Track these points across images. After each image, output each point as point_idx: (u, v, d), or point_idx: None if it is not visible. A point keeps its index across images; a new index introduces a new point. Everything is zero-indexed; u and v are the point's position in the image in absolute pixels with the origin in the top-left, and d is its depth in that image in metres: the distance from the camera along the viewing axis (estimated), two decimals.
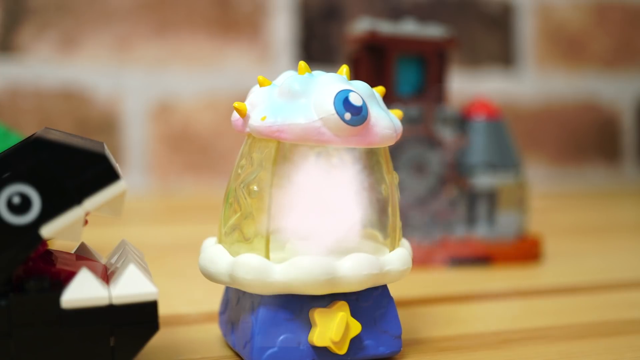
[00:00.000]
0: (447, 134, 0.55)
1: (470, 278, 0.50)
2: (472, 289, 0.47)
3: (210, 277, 0.32)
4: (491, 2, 1.14)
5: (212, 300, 0.43)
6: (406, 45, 0.55)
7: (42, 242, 0.27)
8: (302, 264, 0.30)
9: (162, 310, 0.40)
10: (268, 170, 0.31)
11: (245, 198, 0.32)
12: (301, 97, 0.31)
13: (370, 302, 0.32)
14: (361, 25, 0.56)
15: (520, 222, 0.56)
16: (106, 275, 0.31)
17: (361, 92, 0.31)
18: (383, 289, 0.33)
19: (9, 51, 0.97)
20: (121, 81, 1.01)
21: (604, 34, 1.21)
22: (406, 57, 0.56)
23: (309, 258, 0.30)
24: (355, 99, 0.30)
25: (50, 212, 0.26)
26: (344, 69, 0.33)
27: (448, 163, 0.55)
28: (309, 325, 0.31)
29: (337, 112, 0.30)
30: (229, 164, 1.04)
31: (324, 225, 0.31)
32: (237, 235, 0.32)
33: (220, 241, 0.33)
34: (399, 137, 0.33)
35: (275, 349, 0.30)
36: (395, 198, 0.33)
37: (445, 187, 0.55)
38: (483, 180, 0.55)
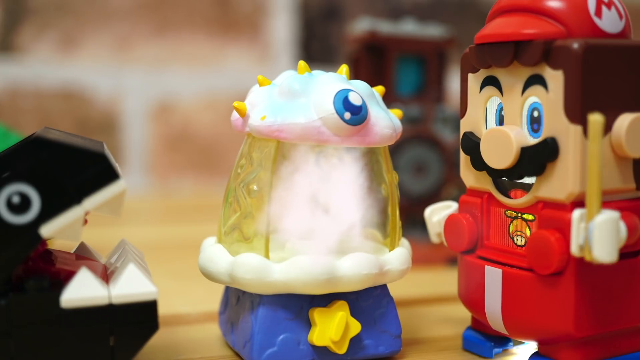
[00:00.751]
0: (447, 134, 0.55)
1: None
2: None
3: (210, 276, 0.32)
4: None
5: (211, 300, 0.43)
6: (406, 45, 0.55)
7: (42, 241, 0.27)
8: (301, 264, 0.30)
9: (162, 310, 0.40)
10: (268, 169, 0.31)
11: (245, 197, 0.32)
12: (301, 96, 0.31)
13: (370, 302, 0.32)
14: (361, 25, 0.57)
15: None
16: (106, 275, 0.31)
17: (361, 91, 0.31)
18: (383, 289, 0.33)
19: (9, 51, 0.97)
20: (121, 81, 1.01)
21: None
22: (406, 57, 0.56)
23: (309, 257, 0.30)
24: (354, 99, 0.30)
25: (49, 211, 0.26)
26: (344, 68, 0.33)
27: (448, 163, 0.55)
28: (308, 324, 0.31)
29: (337, 112, 0.30)
30: (228, 163, 1.04)
31: (323, 225, 0.30)
32: (237, 234, 0.32)
33: (220, 241, 0.33)
34: (398, 136, 0.33)
35: (274, 349, 0.30)
36: (395, 198, 0.33)
37: (445, 187, 0.55)
38: None
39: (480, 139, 0.31)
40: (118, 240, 0.34)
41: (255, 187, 0.32)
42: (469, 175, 0.33)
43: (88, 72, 1.00)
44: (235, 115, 0.33)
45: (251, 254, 0.30)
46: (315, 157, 0.31)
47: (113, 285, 0.27)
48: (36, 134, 0.28)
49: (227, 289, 0.36)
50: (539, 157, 0.29)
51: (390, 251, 0.33)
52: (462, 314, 0.38)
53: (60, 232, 0.26)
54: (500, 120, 0.31)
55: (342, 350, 0.31)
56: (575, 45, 0.28)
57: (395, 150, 0.52)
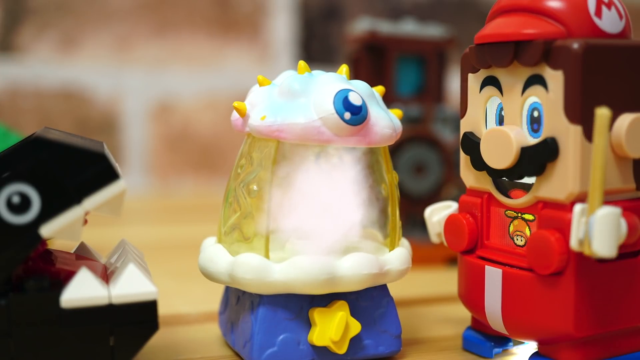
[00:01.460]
0: (447, 134, 0.55)
1: None
2: None
3: (210, 276, 0.32)
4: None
5: (211, 300, 0.43)
6: (406, 45, 0.55)
7: (42, 241, 0.27)
8: (301, 264, 0.30)
9: (162, 310, 0.40)
10: (268, 169, 0.31)
11: (245, 197, 0.32)
12: (301, 96, 0.31)
13: (370, 302, 0.32)
14: (361, 25, 0.56)
15: None
16: (106, 275, 0.31)
17: (361, 91, 0.31)
18: (383, 289, 0.33)
19: (9, 51, 0.97)
20: (121, 81, 1.01)
21: None
22: (406, 57, 0.56)
23: (309, 258, 0.30)
24: (354, 99, 0.30)
25: (49, 211, 0.26)
26: (344, 68, 0.33)
27: (448, 163, 0.55)
28: (308, 324, 0.31)
29: (337, 112, 0.30)
30: (228, 163, 1.04)
31: (323, 225, 0.31)
32: (237, 234, 0.32)
33: (219, 241, 0.33)
34: (398, 136, 0.33)
35: (274, 349, 0.30)
36: (395, 197, 0.33)
37: (445, 187, 0.55)
38: None
39: (480, 139, 0.31)
40: (118, 240, 0.34)
41: (255, 187, 0.32)
42: (469, 175, 0.33)
43: (88, 72, 1.00)
44: (235, 115, 0.33)
45: (251, 254, 0.30)
46: (315, 157, 0.31)
47: (113, 285, 0.27)
48: (36, 134, 0.28)
49: (227, 289, 0.36)
50: (539, 157, 0.29)
51: (390, 251, 0.33)
52: (462, 314, 0.38)
53: (60, 232, 0.26)
54: (500, 120, 0.31)
55: (342, 350, 0.31)
56: (575, 45, 0.28)
57: (395, 150, 0.52)
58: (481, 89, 0.32)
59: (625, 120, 0.29)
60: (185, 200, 0.98)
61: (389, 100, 0.54)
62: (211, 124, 1.05)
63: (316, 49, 1.09)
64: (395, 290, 0.34)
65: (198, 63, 1.04)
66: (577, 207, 0.28)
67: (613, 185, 0.29)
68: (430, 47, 0.56)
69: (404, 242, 0.34)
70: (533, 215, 0.30)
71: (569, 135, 0.28)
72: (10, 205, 0.26)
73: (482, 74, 0.32)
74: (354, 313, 0.31)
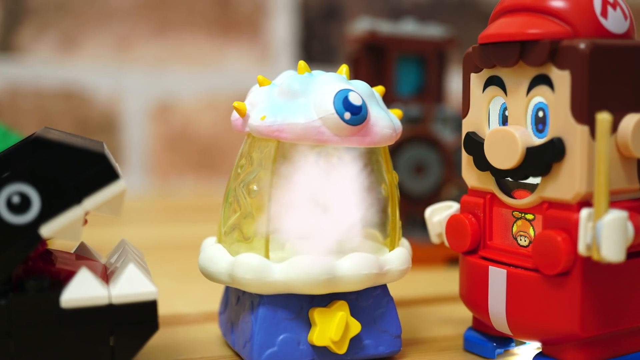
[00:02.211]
0: (447, 134, 0.55)
1: None
2: None
3: (210, 276, 0.32)
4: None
5: (212, 300, 0.43)
6: (406, 45, 0.55)
7: (42, 241, 0.27)
8: (301, 264, 0.30)
9: (162, 310, 0.40)
10: (268, 169, 0.31)
11: (245, 197, 0.32)
12: (301, 96, 0.31)
13: (370, 302, 0.32)
14: (361, 25, 0.56)
15: None
16: (106, 275, 0.31)
17: (361, 91, 0.31)
18: (383, 289, 0.33)
19: (9, 51, 0.97)
20: (121, 81, 1.01)
21: None
22: (406, 57, 0.56)
23: (309, 258, 0.30)
24: (354, 99, 0.30)
25: (49, 211, 0.26)
26: (344, 68, 0.33)
27: (448, 163, 0.55)
28: (308, 324, 0.31)
29: (337, 112, 0.30)
30: (228, 163, 1.04)
31: (323, 225, 0.30)
32: (237, 234, 0.32)
33: (219, 241, 0.33)
34: (398, 136, 0.33)
35: (274, 349, 0.30)
36: (395, 198, 0.33)
37: (445, 187, 0.55)
38: None
39: (483, 139, 0.31)
40: (118, 240, 0.34)
41: (255, 187, 0.31)
42: (471, 175, 0.33)
43: (88, 72, 1.00)
44: (235, 115, 0.33)
45: (251, 254, 0.30)
46: (315, 157, 0.31)
47: (113, 285, 0.27)
48: (36, 134, 0.28)
49: (227, 289, 0.36)
50: (546, 157, 0.29)
51: (390, 251, 0.33)
52: (463, 314, 0.38)
53: (60, 232, 0.26)
54: (504, 121, 0.31)
55: (342, 350, 0.31)
56: (582, 45, 0.28)
57: (395, 150, 0.52)
58: (484, 88, 0.32)
59: (631, 120, 0.29)
60: (185, 200, 0.98)
61: (389, 100, 0.54)
62: (211, 124, 1.05)
63: (316, 49, 1.09)
64: (395, 290, 0.34)
65: (198, 63, 1.04)
66: (584, 212, 0.28)
67: (618, 186, 0.29)
68: (430, 47, 0.56)
69: (404, 242, 0.34)
70: (537, 215, 0.30)
71: (575, 135, 0.28)
72: (10, 205, 0.26)
73: (485, 73, 0.32)
74: (354, 313, 0.31)
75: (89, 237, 0.34)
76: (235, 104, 0.32)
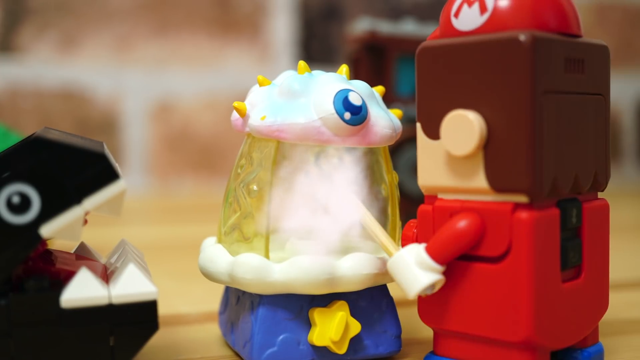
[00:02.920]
0: None
1: None
2: None
3: (209, 276, 0.32)
4: None
5: (212, 300, 0.43)
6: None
7: (42, 241, 0.27)
8: (301, 264, 0.30)
9: (162, 310, 0.40)
10: (268, 169, 0.31)
11: (245, 198, 0.32)
12: (301, 96, 0.31)
13: (370, 302, 0.32)
14: (361, 25, 0.57)
15: None
16: (106, 275, 0.31)
17: (361, 91, 0.31)
18: (383, 289, 0.33)
19: (9, 51, 0.97)
20: (121, 81, 1.01)
21: (604, 34, 1.21)
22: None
23: (309, 258, 0.30)
24: (354, 99, 0.30)
25: (49, 211, 0.26)
26: (344, 68, 0.33)
27: None
28: (308, 324, 0.31)
29: (337, 112, 0.30)
30: (228, 163, 1.04)
31: (323, 225, 0.30)
32: (237, 234, 0.32)
33: (219, 241, 0.33)
34: (398, 136, 0.33)
35: (274, 349, 0.30)
36: (395, 198, 0.33)
37: None
38: None
39: None
40: (118, 240, 0.34)
41: (255, 187, 0.31)
42: None
43: (88, 72, 1.00)
44: (235, 115, 0.33)
45: (251, 254, 0.30)
46: (315, 157, 0.31)
47: (113, 285, 0.27)
48: (36, 134, 0.28)
49: (227, 289, 0.36)
50: None
51: None
52: None
53: (60, 232, 0.26)
54: None
55: (342, 350, 0.31)
56: (418, 49, 0.30)
57: (395, 150, 0.52)
58: None
59: (445, 119, 0.29)
60: (185, 200, 0.98)
61: (389, 100, 0.54)
62: (211, 124, 1.05)
63: (316, 49, 1.09)
64: (396, 290, 0.34)
65: (198, 63, 1.04)
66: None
67: (464, 185, 0.29)
68: None
69: None
70: None
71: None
72: (10, 205, 0.26)
73: None
74: (354, 313, 0.31)
75: (89, 237, 0.34)
76: (235, 104, 0.32)
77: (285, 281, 0.30)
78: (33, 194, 0.26)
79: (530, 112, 0.26)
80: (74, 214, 0.26)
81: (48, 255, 0.30)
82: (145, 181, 1.02)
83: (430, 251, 0.28)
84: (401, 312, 0.34)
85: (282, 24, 1.07)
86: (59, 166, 0.26)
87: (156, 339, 0.35)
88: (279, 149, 0.31)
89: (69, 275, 0.28)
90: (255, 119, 0.31)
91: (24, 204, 0.26)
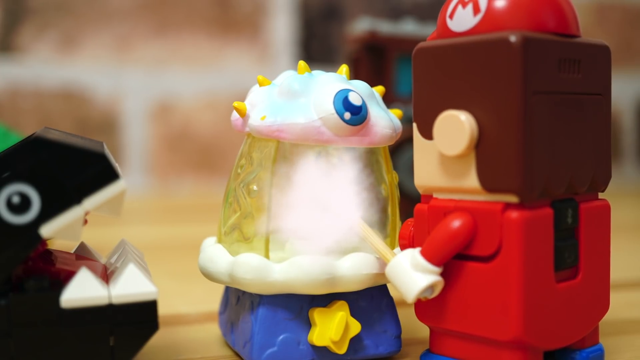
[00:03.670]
0: None
1: None
2: None
3: (209, 276, 0.32)
4: None
5: (212, 300, 0.43)
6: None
7: (42, 241, 0.27)
8: (301, 264, 0.30)
9: (162, 310, 0.40)
10: (268, 169, 0.31)
11: (245, 198, 0.32)
12: (301, 96, 0.31)
13: (370, 302, 0.32)
14: (361, 25, 0.57)
15: None
16: (106, 275, 0.31)
17: (361, 91, 0.31)
18: (383, 289, 0.33)
19: (9, 51, 0.97)
20: (121, 81, 1.01)
21: (604, 34, 1.21)
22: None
23: (309, 258, 0.30)
24: (354, 99, 0.30)
25: (49, 211, 0.26)
26: (344, 68, 0.33)
27: None
28: (308, 324, 0.31)
29: (337, 112, 0.30)
30: (228, 163, 1.04)
31: (323, 225, 0.30)
32: (237, 234, 0.32)
33: (219, 241, 0.33)
34: (398, 136, 0.33)
35: (274, 349, 0.30)
36: (395, 198, 0.33)
37: None
38: None
39: None
40: (118, 240, 0.34)
41: (255, 187, 0.31)
42: None
43: (88, 72, 1.00)
44: (235, 115, 0.33)
45: (251, 254, 0.30)
46: (315, 157, 0.31)
47: (113, 285, 0.27)
48: (36, 134, 0.28)
49: (227, 289, 0.36)
50: None
51: None
52: None
53: (60, 232, 0.26)
54: None
55: (342, 350, 0.31)
56: (415, 49, 0.30)
57: (395, 150, 0.52)
58: None
59: (438, 119, 0.29)
60: (185, 200, 0.98)
61: (389, 100, 0.54)
62: (211, 124, 1.05)
63: (316, 49, 1.09)
64: (395, 291, 0.34)
65: (198, 63, 1.04)
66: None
67: (457, 185, 0.29)
68: None
69: None
70: None
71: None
72: (10, 205, 0.26)
73: None
74: (354, 313, 0.31)
75: (89, 237, 0.34)
76: (235, 104, 0.32)
77: (285, 281, 0.30)
78: (33, 194, 0.26)
79: (520, 113, 0.26)
80: (74, 214, 0.26)
81: (48, 255, 0.30)
82: (145, 181, 1.02)
83: (425, 254, 0.28)
84: (401, 312, 0.34)
85: (282, 24, 1.07)
86: (59, 166, 0.26)
87: (156, 339, 0.35)
88: (279, 149, 0.31)
89: (69, 275, 0.28)
90: (255, 119, 0.31)
91: (24, 204, 0.26)
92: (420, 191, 0.31)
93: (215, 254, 0.32)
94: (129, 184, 0.39)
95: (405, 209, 0.35)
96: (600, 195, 0.31)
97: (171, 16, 1.03)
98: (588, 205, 0.30)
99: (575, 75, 0.29)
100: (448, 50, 0.29)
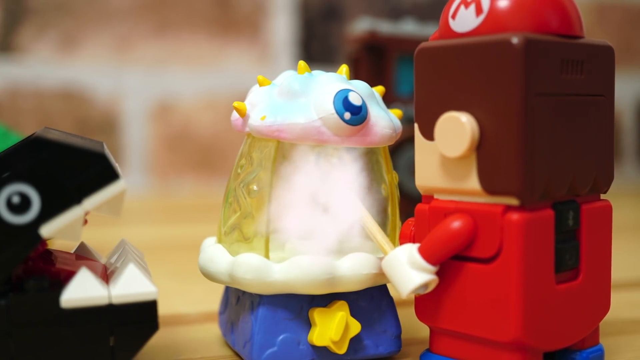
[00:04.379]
0: None
1: None
2: None
3: (209, 276, 0.32)
4: None
5: (212, 300, 0.43)
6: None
7: (42, 241, 0.27)
8: (301, 264, 0.30)
9: (162, 310, 0.40)
10: (268, 169, 0.31)
11: (245, 198, 0.32)
12: (301, 96, 0.31)
13: (370, 302, 0.32)
14: (361, 25, 0.57)
15: None
16: (106, 275, 0.31)
17: (361, 91, 0.31)
18: (383, 289, 0.33)
19: (9, 51, 0.97)
20: (121, 81, 1.01)
21: (604, 34, 1.21)
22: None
23: (309, 258, 0.30)
24: (354, 99, 0.30)
25: (49, 211, 0.26)
26: (344, 68, 0.33)
27: None
28: (308, 324, 0.31)
29: (337, 112, 0.30)
30: (228, 163, 1.04)
31: (323, 225, 0.30)
32: (237, 234, 0.32)
33: (219, 241, 0.33)
34: (398, 136, 0.33)
35: (274, 349, 0.30)
36: (395, 198, 0.33)
37: None
38: None
39: None
40: (118, 240, 0.34)
41: (255, 187, 0.31)
42: None
43: (88, 72, 1.00)
44: (235, 115, 0.33)
45: (251, 254, 0.30)
46: (315, 157, 0.31)
47: (113, 285, 0.27)
48: (36, 134, 0.28)
49: (227, 289, 0.36)
50: None
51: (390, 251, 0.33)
52: None
53: (60, 232, 0.26)
54: None
55: (342, 350, 0.31)
56: (417, 50, 0.30)
57: (395, 150, 0.52)
58: None
59: (439, 120, 0.29)
60: (185, 200, 0.98)
61: (389, 100, 0.54)
62: (211, 124, 1.05)
63: (316, 49, 1.09)
64: (396, 291, 0.34)
65: (198, 63, 1.04)
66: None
67: (458, 186, 0.29)
68: None
69: None
70: None
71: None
72: (10, 205, 0.26)
73: None
74: (354, 313, 0.31)
75: (89, 237, 0.34)
76: (235, 104, 0.32)
77: (285, 281, 0.30)
78: (33, 194, 0.26)
79: (521, 115, 0.26)
80: (74, 214, 0.26)
81: (48, 255, 0.30)
82: (145, 181, 1.02)
83: (422, 252, 0.29)
84: (401, 312, 0.34)
85: (282, 24, 1.07)
86: (59, 166, 0.26)
87: (156, 339, 0.35)
88: (279, 149, 0.31)
89: (69, 275, 0.28)
90: (255, 119, 0.31)
91: (24, 204, 0.26)
92: (421, 192, 0.31)
93: (215, 254, 0.32)
94: (129, 184, 0.39)
95: (405, 209, 0.35)
96: (601, 196, 0.31)
97: (171, 16, 1.03)
98: (590, 206, 0.30)
99: (577, 76, 0.29)
100: (450, 51, 0.29)
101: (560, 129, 0.28)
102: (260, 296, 0.31)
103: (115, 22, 1.01)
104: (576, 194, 0.29)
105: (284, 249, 0.32)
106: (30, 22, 0.98)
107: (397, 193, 0.33)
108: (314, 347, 0.31)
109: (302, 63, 0.32)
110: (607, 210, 0.31)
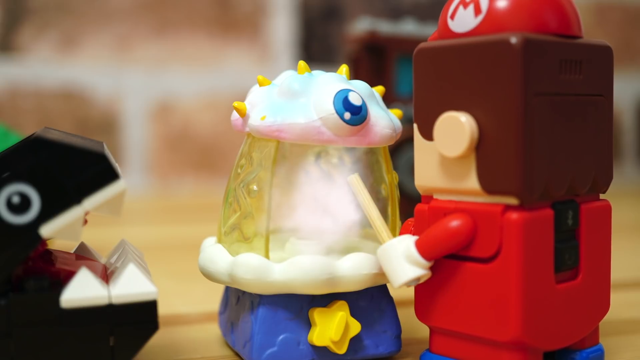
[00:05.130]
0: None
1: None
2: None
3: (209, 276, 0.32)
4: None
5: (211, 300, 0.43)
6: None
7: (42, 241, 0.27)
8: (301, 264, 0.30)
9: (162, 310, 0.40)
10: (268, 169, 0.31)
11: (245, 198, 0.32)
12: (301, 96, 0.31)
13: (370, 302, 0.32)
14: (361, 25, 0.57)
15: None
16: (106, 275, 0.31)
17: (361, 91, 0.31)
18: (383, 289, 0.33)
19: (9, 51, 0.97)
20: (121, 81, 1.01)
21: (604, 34, 1.21)
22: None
23: (309, 258, 0.30)
24: (354, 99, 0.30)
25: (49, 211, 0.26)
26: (344, 68, 0.33)
27: None
28: (308, 324, 0.31)
29: (337, 112, 0.30)
30: (228, 163, 1.04)
31: (323, 225, 0.30)
32: (237, 234, 0.32)
33: (219, 241, 0.33)
34: (398, 136, 0.33)
35: (274, 349, 0.30)
36: (395, 197, 0.33)
37: None
38: None
39: None
40: (118, 240, 0.34)
41: (255, 187, 0.31)
42: None
43: (88, 72, 1.00)
44: (235, 115, 0.33)
45: (251, 254, 0.30)
46: (315, 157, 0.31)
47: (113, 285, 0.27)
48: (36, 134, 0.28)
49: (227, 289, 0.36)
50: None
51: None
52: None
53: (60, 232, 0.26)
54: None
55: (342, 350, 0.31)
56: (415, 50, 0.30)
57: (395, 150, 0.52)
58: None
59: (438, 120, 0.29)
60: (185, 200, 0.98)
61: (389, 100, 0.54)
62: (211, 124, 1.05)
63: (316, 49, 1.09)
64: (395, 290, 0.34)
65: (198, 63, 1.04)
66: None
67: (457, 186, 0.29)
68: None
69: None
70: None
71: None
72: (10, 205, 0.26)
73: None
74: (354, 313, 0.31)
75: (89, 237, 0.34)
76: (235, 104, 0.32)
77: (285, 281, 0.30)
78: (33, 194, 0.26)
79: (520, 115, 0.26)
80: (74, 214, 0.26)
81: (48, 255, 0.30)
82: (145, 181, 1.02)
83: (419, 247, 0.29)
84: (401, 312, 0.34)
85: (282, 24, 1.07)
86: (59, 166, 0.26)
87: (156, 339, 0.35)
88: (279, 149, 0.31)
89: (69, 275, 0.28)
90: (255, 119, 0.31)
91: (24, 204, 0.26)
92: (421, 192, 0.31)
93: (215, 254, 0.32)
94: (129, 184, 0.39)
95: (405, 209, 0.36)
96: (601, 196, 0.31)
97: (171, 16, 1.03)
98: (589, 206, 0.30)
99: (576, 76, 0.29)
100: (449, 51, 0.29)
101: (559, 129, 0.28)
102: (260, 296, 0.31)
103: (115, 22, 1.01)
104: (575, 193, 0.29)
105: (284, 249, 0.32)
106: (30, 22, 0.98)
107: (397, 193, 0.34)
108: (314, 347, 0.31)
109: (302, 63, 0.32)
110: (607, 210, 0.31)
